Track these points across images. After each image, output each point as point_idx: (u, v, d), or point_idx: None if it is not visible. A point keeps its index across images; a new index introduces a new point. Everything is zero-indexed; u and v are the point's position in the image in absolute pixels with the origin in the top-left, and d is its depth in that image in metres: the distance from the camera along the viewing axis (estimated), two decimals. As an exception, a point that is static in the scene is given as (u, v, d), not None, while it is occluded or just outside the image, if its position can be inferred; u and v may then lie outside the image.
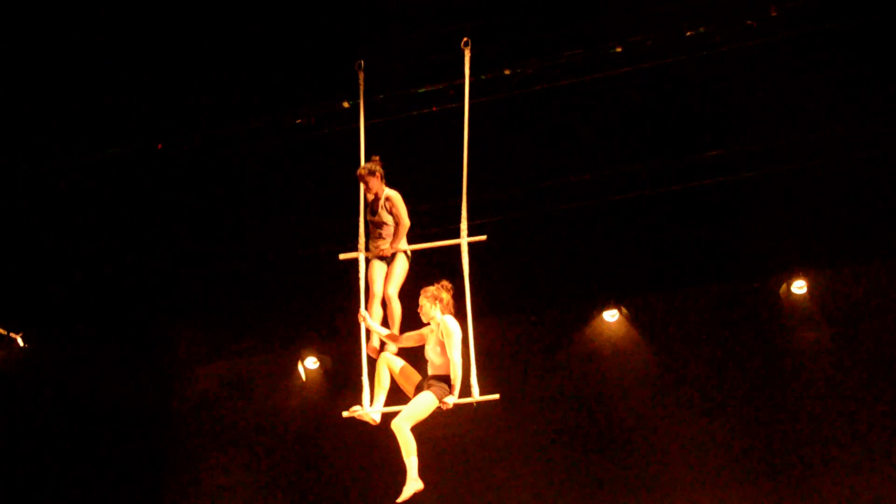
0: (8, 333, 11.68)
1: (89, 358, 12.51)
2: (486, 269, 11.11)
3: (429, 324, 7.35)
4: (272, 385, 12.96)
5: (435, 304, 7.28)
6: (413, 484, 7.10)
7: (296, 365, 12.73)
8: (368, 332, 7.52)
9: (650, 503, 11.38)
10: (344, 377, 12.45)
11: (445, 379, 7.17)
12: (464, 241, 7.41)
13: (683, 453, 11.45)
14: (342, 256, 7.65)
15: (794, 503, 10.98)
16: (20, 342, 11.76)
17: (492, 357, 11.87)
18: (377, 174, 7.53)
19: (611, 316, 11.93)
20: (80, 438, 12.36)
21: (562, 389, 11.99)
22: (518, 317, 12.23)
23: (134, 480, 12.77)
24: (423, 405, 7.12)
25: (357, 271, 7.55)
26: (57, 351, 12.23)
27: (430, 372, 7.28)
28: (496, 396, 7.08)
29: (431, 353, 7.28)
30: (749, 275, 11.44)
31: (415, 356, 7.50)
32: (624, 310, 11.90)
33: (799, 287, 11.31)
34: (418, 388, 7.25)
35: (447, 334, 7.17)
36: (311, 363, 12.72)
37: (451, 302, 7.35)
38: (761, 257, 11.15)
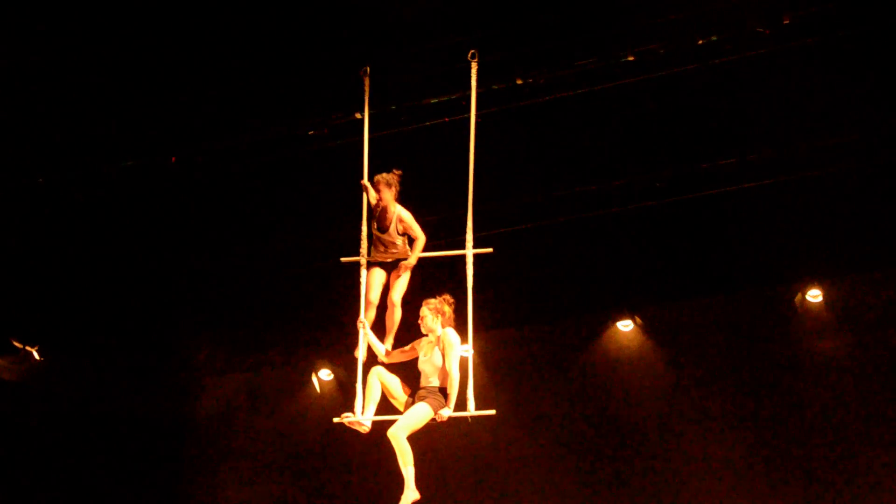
0: (24, 347, 11.72)
1: (105, 370, 12.54)
2: (499, 281, 11.14)
3: (425, 335, 7.38)
4: (287, 397, 12.98)
5: (437, 317, 7.31)
6: (410, 494, 7.14)
7: (310, 377, 12.75)
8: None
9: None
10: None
11: (442, 391, 7.19)
12: (469, 252, 7.39)
13: (699, 464, 11.39)
14: (344, 260, 7.67)
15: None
16: (36, 355, 11.80)
17: (505, 368, 11.88)
18: (392, 188, 7.48)
19: (625, 326, 11.90)
20: (96, 450, 12.39)
21: (576, 400, 11.96)
22: (532, 328, 12.21)
23: (150, 492, 12.78)
24: (418, 415, 7.15)
25: (358, 276, 7.56)
26: (73, 364, 12.27)
27: (424, 383, 7.30)
28: (492, 412, 7.04)
29: (427, 365, 7.30)
30: (763, 284, 11.39)
31: (406, 369, 7.51)
32: (638, 320, 11.87)
33: (814, 296, 11.26)
34: (410, 400, 7.28)
35: (448, 346, 7.20)
36: (325, 375, 12.74)
37: (452, 315, 7.38)
38: (776, 266, 11.09)
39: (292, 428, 12.89)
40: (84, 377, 12.46)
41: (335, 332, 12.20)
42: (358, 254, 7.57)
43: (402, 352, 7.47)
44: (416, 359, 7.41)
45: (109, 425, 12.60)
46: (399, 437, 7.12)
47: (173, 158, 9.63)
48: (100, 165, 9.68)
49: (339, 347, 12.57)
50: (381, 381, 7.37)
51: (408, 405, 7.28)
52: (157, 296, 11.47)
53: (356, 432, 7.45)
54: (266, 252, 11.08)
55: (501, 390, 11.76)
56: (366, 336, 7.48)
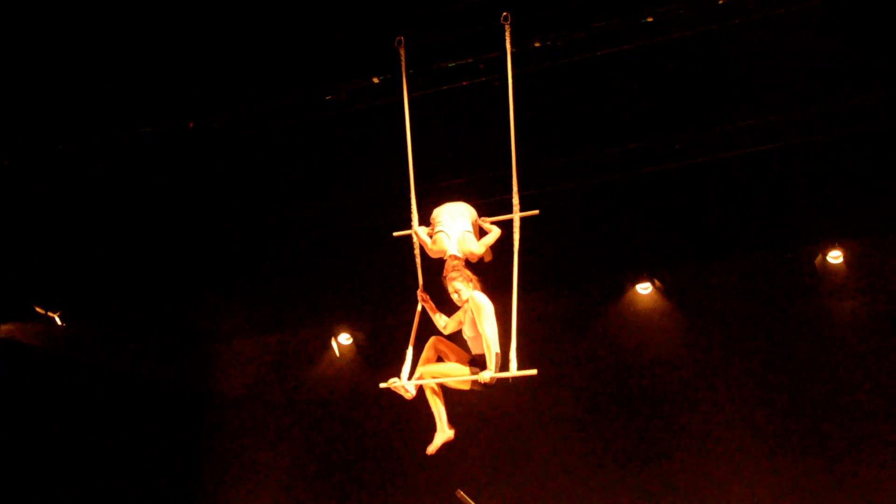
0: (46, 312, 11.80)
1: (127, 335, 12.64)
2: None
3: (460, 307, 7.34)
4: (307, 361, 13.08)
5: (469, 284, 7.25)
6: (442, 434, 7.21)
7: (330, 341, 12.82)
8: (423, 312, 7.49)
9: (685, 474, 11.37)
10: (377, 353, 12.54)
11: (481, 357, 7.19)
12: (516, 216, 7.39)
13: (718, 425, 11.42)
14: (396, 234, 7.67)
15: (831, 476, 10.91)
16: (58, 321, 11.88)
17: (524, 332, 11.87)
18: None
19: (643, 289, 11.89)
20: (117, 415, 12.51)
21: (595, 363, 11.99)
22: (550, 291, 12.22)
23: (171, 455, 12.91)
24: (453, 368, 7.18)
25: (412, 247, 7.54)
26: (95, 328, 12.36)
27: (473, 350, 7.32)
28: (533, 372, 7.02)
29: (469, 332, 7.28)
30: (784, 245, 11.35)
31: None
32: (657, 282, 11.86)
33: (835, 257, 11.21)
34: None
35: (478, 309, 7.14)
36: (344, 339, 12.81)
37: (477, 279, 7.35)
38: (796, 227, 11.05)
39: (313, 392, 12.99)
40: (106, 342, 12.56)
41: (355, 296, 12.28)
42: (399, 226, 7.60)
43: (453, 322, 7.46)
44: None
45: (131, 390, 12.71)
46: (428, 379, 7.17)
47: (191, 124, 9.61)
48: (118, 132, 9.68)
49: (358, 312, 12.66)
50: (438, 350, 7.37)
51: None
52: (177, 262, 11.53)
53: (379, 396, 7.50)
54: (284, 217, 11.10)
55: (519, 353, 11.79)
56: (426, 307, 7.49)
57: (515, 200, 7.40)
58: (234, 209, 10.91)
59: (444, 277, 7.27)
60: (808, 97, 9.56)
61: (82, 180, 10.17)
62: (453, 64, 8.81)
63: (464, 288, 7.23)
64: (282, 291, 12.40)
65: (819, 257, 11.27)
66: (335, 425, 12.85)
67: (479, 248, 7.35)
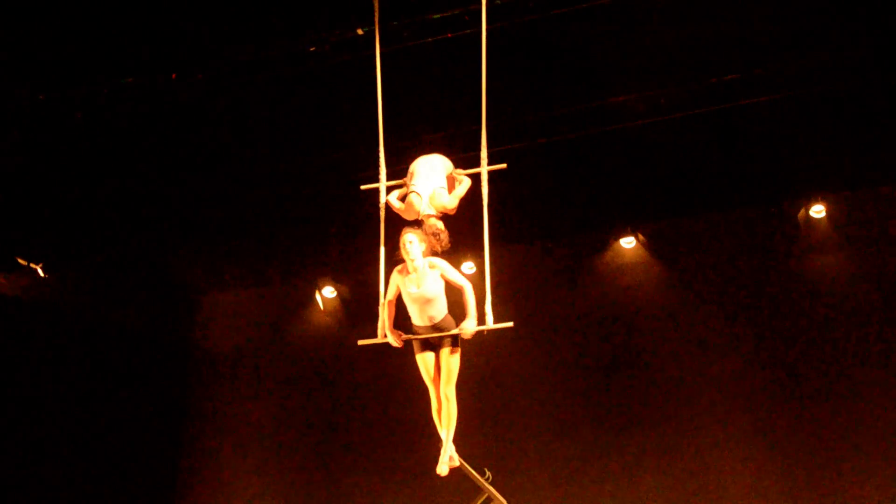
0: (28, 263, 11.76)
1: (109, 287, 12.61)
2: (501, 197, 11.13)
3: (405, 268, 7.18)
4: (291, 313, 13.08)
5: (424, 245, 7.17)
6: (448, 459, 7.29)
7: (314, 294, 12.83)
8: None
9: (666, 428, 11.48)
10: (362, 305, 12.56)
11: (449, 316, 7.21)
12: (484, 169, 7.38)
13: (700, 378, 11.51)
14: (364, 187, 7.66)
15: (812, 428, 11.03)
16: (40, 272, 11.84)
17: (508, 285, 11.91)
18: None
19: (627, 243, 11.92)
20: (100, 368, 12.52)
21: (578, 317, 12.04)
22: (534, 245, 12.23)
23: (153, 408, 12.95)
24: (456, 362, 7.25)
25: (377, 200, 7.53)
26: (77, 281, 12.33)
27: (424, 321, 7.23)
28: (510, 324, 7.09)
29: (421, 298, 7.14)
30: (766, 199, 11.38)
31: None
32: (640, 236, 11.88)
33: (817, 211, 11.26)
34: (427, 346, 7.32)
35: (444, 267, 7.14)
36: (328, 292, 12.82)
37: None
38: (779, 181, 11.08)
39: (297, 345, 13.01)
40: (88, 294, 12.53)
41: (339, 248, 12.27)
42: (374, 177, 7.56)
43: (392, 302, 7.32)
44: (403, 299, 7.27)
45: (112, 342, 12.71)
46: (452, 397, 7.27)
47: (174, 75, 9.53)
48: (100, 83, 9.59)
49: (342, 265, 12.66)
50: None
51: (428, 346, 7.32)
52: (161, 214, 11.49)
53: (363, 349, 7.48)
54: (268, 169, 11.05)
55: (503, 308, 11.85)
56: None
57: (483, 154, 7.39)
58: (219, 161, 10.86)
59: (404, 230, 7.18)
60: (790, 51, 9.55)
61: (64, 131, 10.09)
62: (437, 16, 8.75)
63: (416, 240, 7.10)
64: (266, 244, 12.38)
65: (802, 211, 11.31)
66: (319, 378, 12.89)
67: (452, 201, 7.34)
